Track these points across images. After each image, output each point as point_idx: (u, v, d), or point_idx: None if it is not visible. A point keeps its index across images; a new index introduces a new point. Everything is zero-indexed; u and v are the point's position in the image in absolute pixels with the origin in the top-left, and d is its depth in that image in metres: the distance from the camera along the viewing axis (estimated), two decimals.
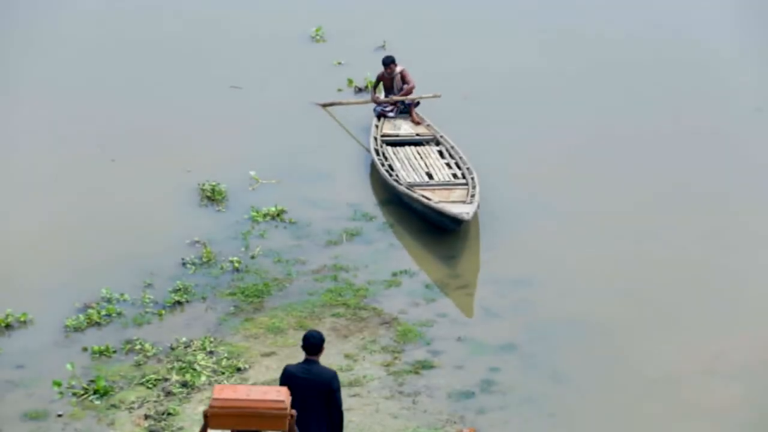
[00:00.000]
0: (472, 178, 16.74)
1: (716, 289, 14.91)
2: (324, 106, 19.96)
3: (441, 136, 18.32)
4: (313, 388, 10.41)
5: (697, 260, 15.54)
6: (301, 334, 13.31)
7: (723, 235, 16.14)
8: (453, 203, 16.02)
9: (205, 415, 9.72)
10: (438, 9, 24.80)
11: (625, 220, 16.56)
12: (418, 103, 19.08)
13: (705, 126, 19.61)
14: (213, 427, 9.78)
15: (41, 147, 18.54)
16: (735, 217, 16.68)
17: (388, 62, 18.98)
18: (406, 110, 19.01)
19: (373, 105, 19.23)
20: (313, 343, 10.41)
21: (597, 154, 18.56)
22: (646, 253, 15.63)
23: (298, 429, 10.16)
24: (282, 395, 9.73)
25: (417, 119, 18.84)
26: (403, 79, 19.01)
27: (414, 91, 19.01)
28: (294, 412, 9.75)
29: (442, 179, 16.94)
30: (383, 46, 22.53)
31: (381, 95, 19.28)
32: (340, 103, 19.87)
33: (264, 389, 9.87)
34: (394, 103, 19.03)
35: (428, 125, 18.76)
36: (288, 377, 10.48)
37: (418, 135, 18.55)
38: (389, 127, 18.72)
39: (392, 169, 17.23)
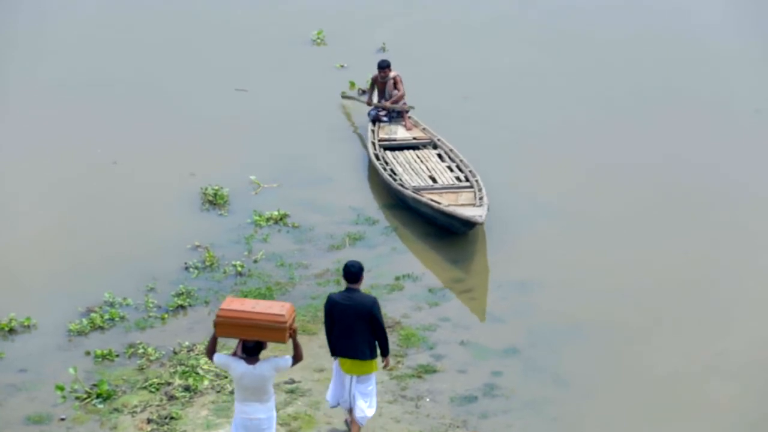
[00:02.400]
0: (477, 181, 16.75)
1: (717, 289, 14.93)
2: (345, 97, 20.10)
3: (438, 139, 18.33)
4: (354, 313, 11.38)
5: (699, 261, 15.56)
6: (302, 338, 13.42)
7: (723, 236, 16.15)
8: (463, 206, 16.04)
9: (214, 325, 10.61)
10: (438, 11, 24.83)
11: (627, 221, 16.59)
12: (409, 109, 19.04)
13: (705, 127, 19.63)
14: (220, 335, 10.75)
15: (43, 150, 18.56)
16: (735, 217, 16.70)
17: (384, 66, 19.01)
18: (399, 116, 19.01)
19: (367, 109, 19.27)
20: (352, 272, 11.40)
21: (598, 156, 18.57)
22: (648, 256, 15.64)
23: (344, 351, 11.50)
24: (284, 310, 10.58)
25: (410, 125, 18.84)
26: (395, 85, 19.02)
27: (404, 98, 19.01)
28: (295, 326, 10.62)
29: (446, 183, 16.94)
30: (383, 48, 22.56)
31: (375, 97, 19.33)
32: (358, 99, 19.98)
33: (269, 304, 10.80)
34: (383, 108, 19.06)
35: (424, 129, 18.77)
36: (332, 304, 11.48)
37: (415, 139, 18.55)
38: (385, 132, 18.72)
39: (395, 174, 17.24)
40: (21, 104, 20.22)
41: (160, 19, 24.27)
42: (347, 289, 11.49)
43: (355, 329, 11.40)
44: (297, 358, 10.80)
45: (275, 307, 10.63)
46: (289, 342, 10.72)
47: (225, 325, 10.59)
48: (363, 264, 11.56)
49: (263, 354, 10.71)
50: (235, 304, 10.65)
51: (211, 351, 10.82)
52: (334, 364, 11.78)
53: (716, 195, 17.36)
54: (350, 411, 11.90)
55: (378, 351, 11.56)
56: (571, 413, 12.58)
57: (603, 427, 12.53)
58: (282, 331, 10.53)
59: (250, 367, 10.61)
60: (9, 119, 19.67)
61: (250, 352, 10.64)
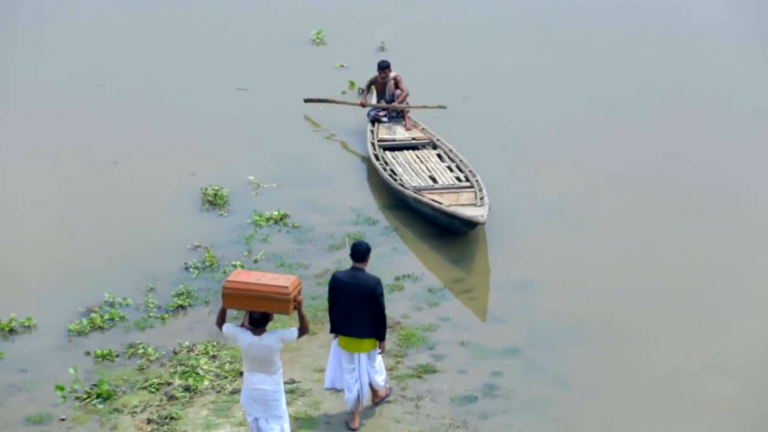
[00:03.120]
0: (477, 181, 16.75)
1: (717, 289, 14.90)
2: (310, 101, 19.88)
3: (437, 140, 18.32)
4: (358, 292, 11.67)
5: (699, 261, 15.54)
6: (302, 339, 13.38)
7: (723, 236, 16.14)
8: (464, 206, 16.04)
9: (222, 296, 11.06)
10: (438, 11, 24.83)
11: (627, 221, 16.57)
12: (408, 108, 19.04)
13: (705, 127, 19.63)
14: (227, 306, 11.16)
15: (43, 150, 18.57)
16: (735, 217, 16.69)
17: (384, 67, 19.00)
18: (399, 116, 19.00)
19: (366, 110, 19.22)
20: (359, 251, 11.72)
21: (598, 156, 18.57)
22: (648, 256, 15.63)
23: (344, 328, 11.82)
24: (288, 282, 10.93)
25: (409, 126, 18.83)
26: (397, 85, 18.99)
27: (407, 98, 18.98)
28: (300, 299, 11.09)
29: (446, 183, 16.93)
30: (382, 48, 22.56)
31: (373, 98, 19.26)
32: (328, 101, 19.77)
33: (275, 276, 11.14)
34: (386, 109, 19.02)
35: (423, 129, 18.76)
36: (336, 282, 11.81)
37: (414, 139, 18.55)
38: (385, 132, 18.70)
39: (395, 174, 17.23)
40: (21, 104, 20.24)
41: (160, 19, 24.29)
42: (353, 268, 11.78)
43: (357, 308, 11.68)
44: (302, 330, 11.14)
45: (280, 279, 10.95)
46: (296, 314, 11.16)
47: (231, 297, 10.95)
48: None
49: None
50: (242, 276, 11.00)
51: (220, 322, 11.22)
52: (333, 344, 12.05)
53: (716, 195, 17.35)
54: (355, 409, 12.07)
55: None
56: (571, 413, 12.56)
57: (603, 428, 12.50)
58: (286, 302, 10.83)
59: (257, 338, 10.96)
60: (9, 119, 19.68)
61: (257, 323, 10.98)
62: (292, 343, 13.53)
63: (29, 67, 21.82)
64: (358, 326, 11.74)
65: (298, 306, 11.03)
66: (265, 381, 11.12)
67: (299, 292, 11.03)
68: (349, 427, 12.14)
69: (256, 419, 11.32)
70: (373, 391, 12.31)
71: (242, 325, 11.10)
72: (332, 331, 11.95)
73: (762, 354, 13.59)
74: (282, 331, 11.07)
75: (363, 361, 11.95)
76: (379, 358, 12.03)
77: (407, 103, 19.01)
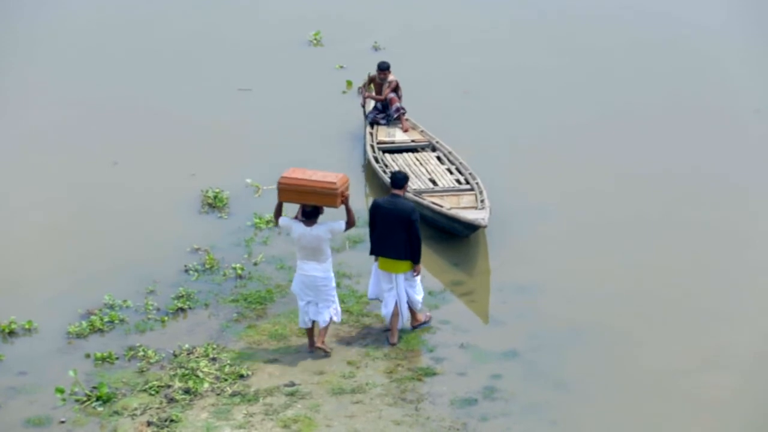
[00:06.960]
0: (477, 183, 16.73)
1: (719, 292, 14.87)
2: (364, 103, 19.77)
3: (437, 142, 18.29)
4: (395, 217, 12.99)
5: (700, 263, 15.52)
6: (303, 340, 13.45)
7: (724, 237, 16.13)
8: (465, 209, 16.02)
9: (277, 191, 12.55)
10: (436, 11, 24.84)
11: (628, 223, 16.57)
12: (405, 111, 18.95)
13: (704, 128, 19.64)
14: (282, 200, 12.66)
15: (43, 152, 18.58)
16: (735, 218, 16.69)
17: (384, 68, 18.98)
18: (398, 118, 18.97)
19: (365, 112, 19.21)
20: (398, 178, 13.12)
21: (599, 158, 18.58)
22: (649, 259, 15.61)
23: (382, 250, 13.16)
24: (336, 179, 12.34)
25: (407, 128, 18.79)
26: (396, 90, 18.92)
27: (394, 104, 18.91)
28: (348, 194, 12.52)
29: (446, 185, 16.91)
30: (376, 47, 22.58)
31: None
32: (363, 104, 19.61)
33: (325, 173, 12.60)
34: (383, 110, 18.99)
35: (422, 131, 18.72)
36: (375, 208, 13.13)
37: (413, 141, 18.52)
38: (383, 135, 18.68)
39: None
40: (21, 104, 20.25)
41: (160, 20, 24.31)
42: (391, 195, 13.11)
43: (394, 231, 12.96)
44: (349, 223, 12.67)
45: (330, 176, 12.35)
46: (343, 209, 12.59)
47: (286, 191, 12.40)
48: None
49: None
50: (296, 173, 12.43)
51: (276, 215, 12.80)
52: (373, 265, 13.41)
53: (716, 196, 17.36)
54: (393, 326, 13.36)
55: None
56: (571, 417, 12.54)
57: (603, 431, 12.48)
58: (334, 196, 12.27)
59: (308, 228, 12.52)
60: (9, 119, 19.69)
61: (308, 215, 12.54)
62: (291, 346, 13.62)
63: (29, 67, 21.82)
64: (394, 248, 13.02)
65: (345, 200, 12.42)
66: (315, 268, 12.63)
67: (347, 188, 12.40)
68: (388, 341, 13.43)
69: (308, 302, 12.81)
70: (413, 313, 13.55)
71: (295, 218, 12.53)
72: (371, 253, 13.27)
73: (762, 354, 13.57)
74: (330, 223, 12.57)
75: (400, 280, 13.18)
76: (417, 279, 13.29)
77: (402, 107, 18.88)
